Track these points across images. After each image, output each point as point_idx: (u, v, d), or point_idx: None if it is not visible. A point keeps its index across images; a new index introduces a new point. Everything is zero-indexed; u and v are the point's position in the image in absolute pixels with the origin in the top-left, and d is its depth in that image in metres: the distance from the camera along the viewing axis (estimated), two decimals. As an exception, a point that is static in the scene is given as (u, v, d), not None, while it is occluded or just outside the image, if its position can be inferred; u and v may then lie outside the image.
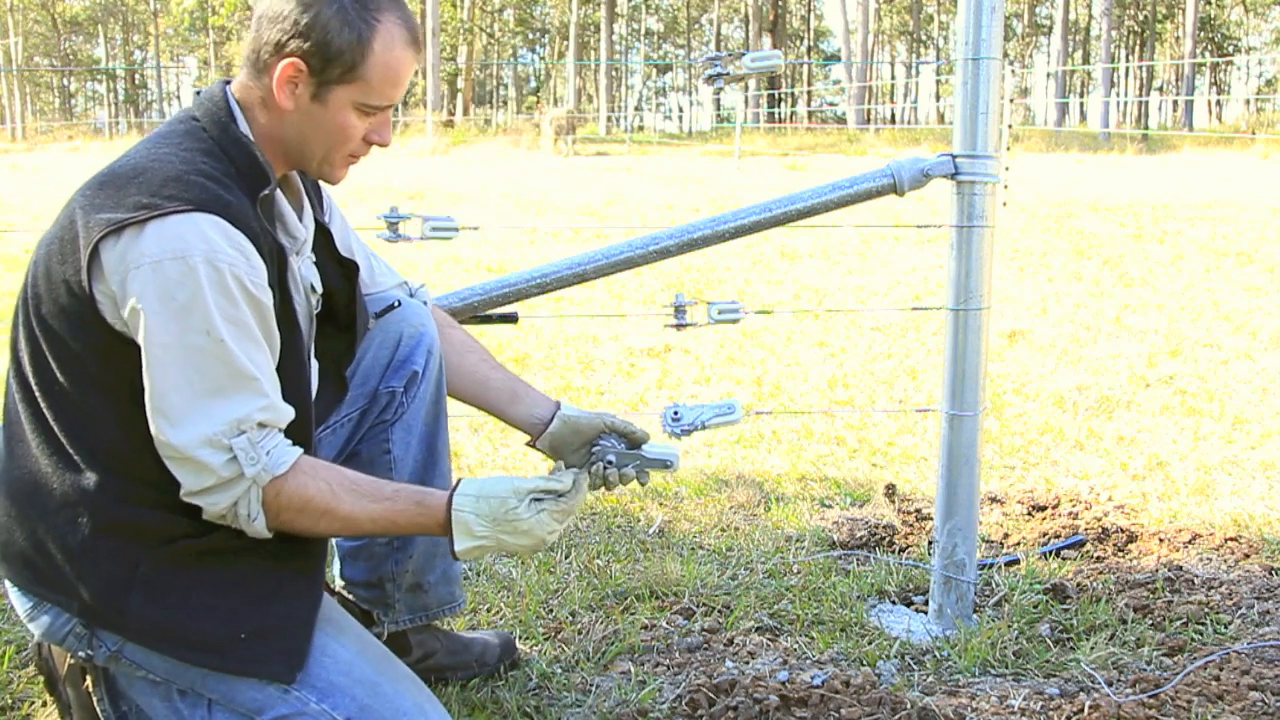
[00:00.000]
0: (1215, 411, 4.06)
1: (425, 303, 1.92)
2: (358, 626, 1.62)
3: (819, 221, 2.32)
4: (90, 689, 1.56)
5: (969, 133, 2.20)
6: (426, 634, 2.02)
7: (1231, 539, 2.79)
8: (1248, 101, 58.28)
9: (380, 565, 1.92)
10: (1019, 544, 2.82)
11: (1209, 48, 54.50)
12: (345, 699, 1.47)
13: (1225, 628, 2.28)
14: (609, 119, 39.02)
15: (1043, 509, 3.06)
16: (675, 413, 1.96)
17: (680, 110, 72.48)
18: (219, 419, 1.36)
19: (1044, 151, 20.72)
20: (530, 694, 2.02)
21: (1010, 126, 14.34)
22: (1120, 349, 5.08)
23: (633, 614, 2.37)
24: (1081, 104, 45.79)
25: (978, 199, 2.21)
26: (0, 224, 9.38)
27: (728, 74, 2.23)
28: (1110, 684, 2.04)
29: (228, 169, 1.44)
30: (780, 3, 41.43)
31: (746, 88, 27.42)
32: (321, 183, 1.72)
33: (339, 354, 1.75)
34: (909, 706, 1.90)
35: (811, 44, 61.69)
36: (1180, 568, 2.60)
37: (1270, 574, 2.57)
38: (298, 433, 1.48)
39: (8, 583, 1.52)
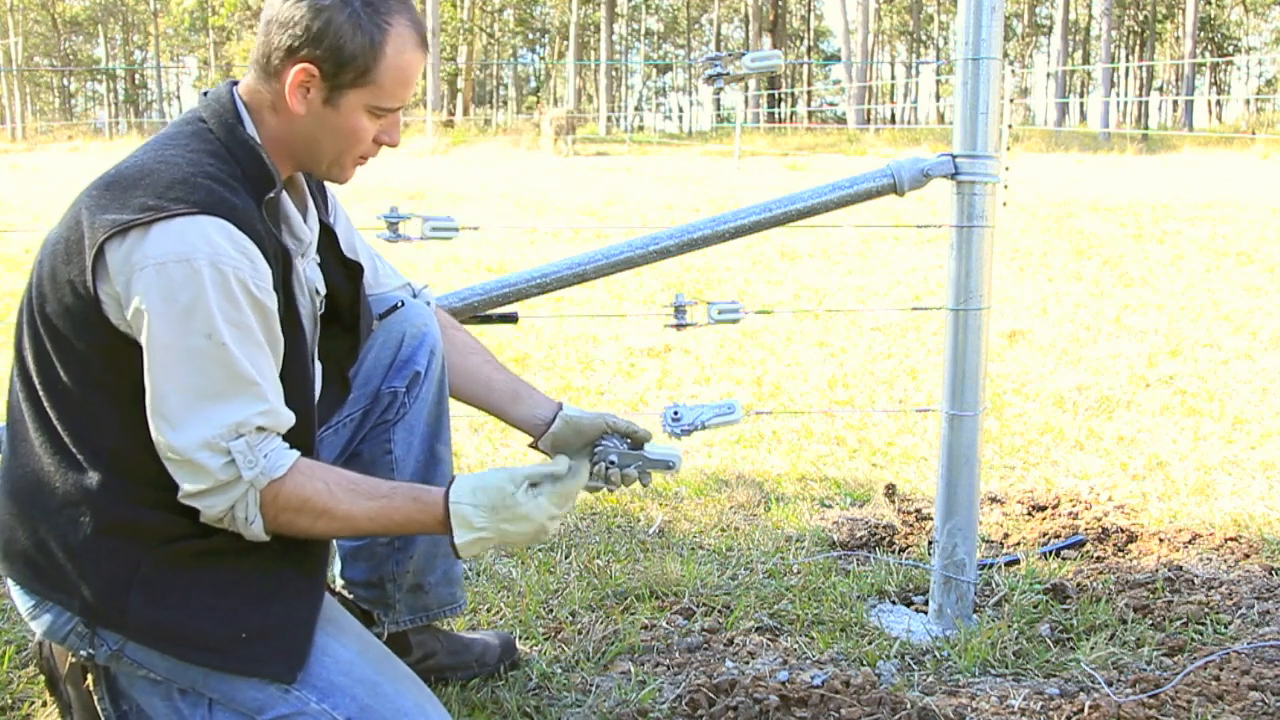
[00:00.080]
0: (1215, 411, 4.06)
1: (429, 303, 1.92)
2: (359, 627, 1.62)
3: (819, 221, 2.32)
4: (91, 688, 1.56)
5: (969, 133, 2.20)
6: (427, 634, 2.03)
7: (1231, 539, 2.79)
8: (1248, 101, 58.29)
9: (381, 565, 1.92)
10: (1019, 544, 2.82)
11: (1209, 48, 54.51)
12: (346, 699, 1.47)
13: (1225, 628, 2.28)
14: (609, 119, 39.02)
15: (1043, 509, 3.06)
16: (675, 413, 1.96)
17: (680, 110, 72.51)
18: (218, 422, 1.36)
19: (1044, 151, 20.72)
20: (530, 694, 2.02)
21: (1010, 126, 14.34)
22: (1120, 349, 5.08)
23: (633, 614, 2.37)
24: (1081, 104, 45.80)
25: (978, 199, 2.21)
26: (0, 224, 9.38)
27: (728, 74, 2.23)
28: (1110, 684, 2.04)
29: (234, 171, 1.44)
30: (780, 3, 41.44)
31: (746, 88, 27.43)
32: (326, 183, 1.72)
33: (342, 355, 1.75)
34: (909, 706, 1.90)
35: (811, 44, 61.70)
36: (1180, 568, 2.60)
37: (1270, 574, 2.57)
38: (300, 435, 1.48)
39: (10, 581, 1.53)
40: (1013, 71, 17.94)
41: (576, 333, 5.43)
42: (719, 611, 2.39)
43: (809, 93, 42.29)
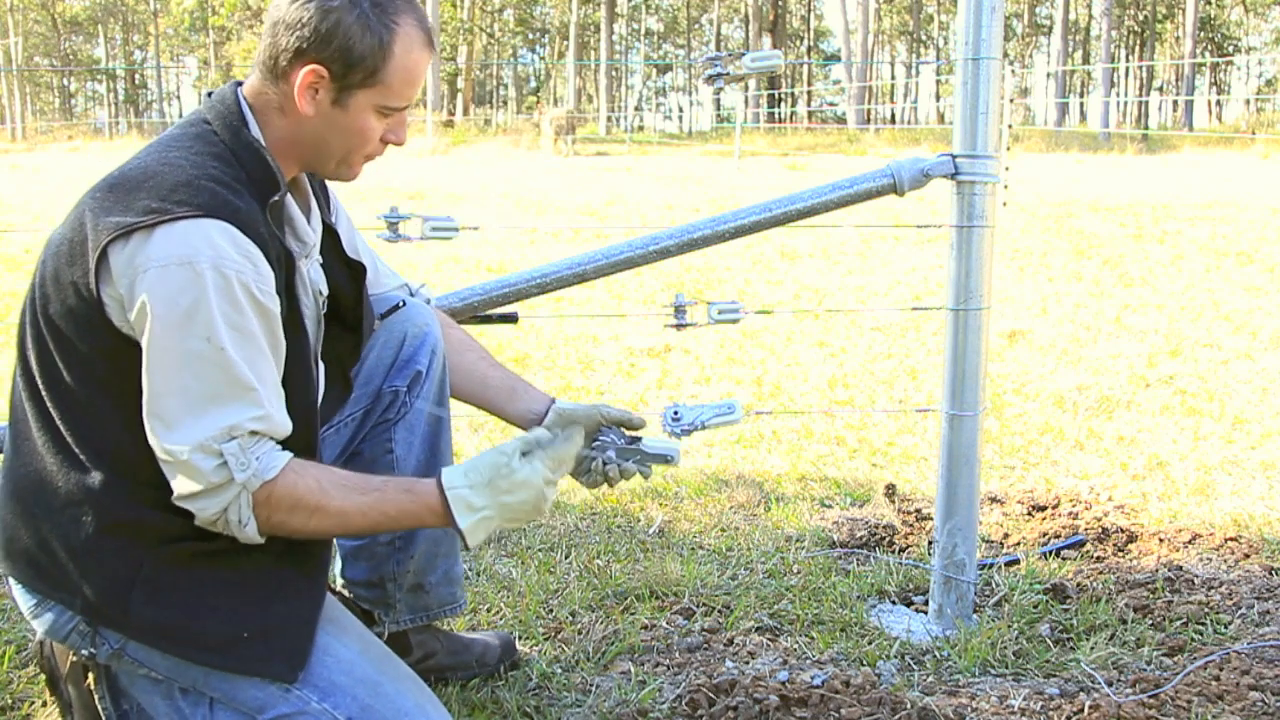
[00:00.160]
0: (1215, 411, 4.06)
1: (428, 301, 1.92)
2: (360, 626, 1.62)
3: (819, 221, 2.32)
4: (92, 687, 1.56)
5: (969, 133, 2.20)
6: (427, 634, 2.03)
7: (1231, 539, 2.79)
8: (1248, 101, 58.29)
9: (382, 565, 1.92)
10: (1019, 544, 2.82)
11: (1209, 48, 54.51)
12: (347, 698, 1.47)
13: (1225, 628, 2.28)
14: (609, 119, 39.02)
15: (1043, 509, 3.06)
16: (675, 413, 1.96)
17: (680, 110, 72.51)
18: (212, 425, 1.36)
19: (1044, 151, 20.72)
20: (530, 694, 2.02)
21: (1010, 126, 14.34)
22: (1120, 349, 5.08)
23: (633, 614, 2.37)
24: (1081, 104, 45.80)
25: (978, 199, 2.22)
26: (0, 224, 9.38)
27: (728, 74, 2.23)
28: (1110, 684, 2.04)
29: (238, 174, 1.44)
30: (780, 3, 41.44)
31: (746, 88, 27.43)
32: (328, 183, 1.72)
33: (344, 355, 1.75)
34: (909, 706, 1.90)
35: (811, 44, 61.70)
36: (1180, 568, 2.60)
37: (1270, 574, 2.57)
38: (302, 436, 1.48)
39: (11, 580, 1.53)
40: (1013, 71, 17.94)
41: (576, 333, 5.43)
42: (719, 611, 2.39)
43: (809, 93, 42.29)
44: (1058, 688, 2.04)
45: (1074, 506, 3.07)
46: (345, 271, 1.71)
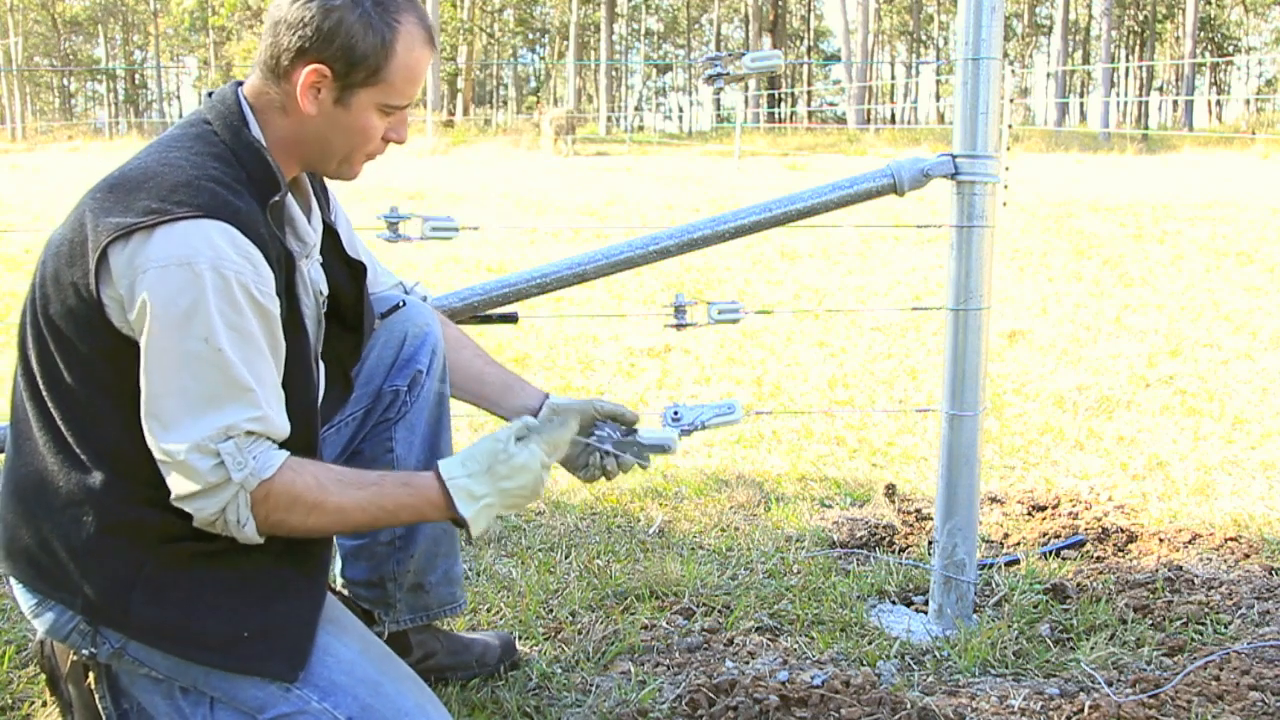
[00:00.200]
0: (1215, 411, 4.06)
1: (424, 298, 1.93)
2: (360, 626, 1.62)
3: (819, 221, 2.32)
4: (92, 686, 1.56)
5: (969, 133, 2.20)
6: (427, 634, 2.03)
7: (1231, 539, 2.79)
8: (1248, 101, 58.29)
9: (382, 564, 1.92)
10: (1019, 544, 2.82)
11: (1209, 48, 54.50)
12: (347, 698, 1.47)
13: (1225, 628, 2.28)
14: (609, 119, 39.02)
15: (1043, 509, 3.06)
16: (675, 413, 1.96)
17: (680, 110, 72.51)
18: (208, 425, 1.36)
19: (1044, 151, 20.72)
20: (530, 694, 2.02)
21: (1010, 126, 14.34)
22: (1120, 349, 5.08)
23: (633, 614, 2.37)
24: (1081, 104, 45.80)
25: (978, 199, 2.22)
26: (0, 224, 9.38)
27: (728, 74, 2.23)
28: (1110, 684, 2.04)
29: (238, 174, 1.44)
30: (780, 3, 41.44)
31: (746, 88, 27.43)
32: (327, 183, 1.72)
33: (345, 354, 1.75)
34: (909, 706, 1.90)
35: (811, 44, 61.70)
36: (1180, 568, 2.60)
37: (1270, 574, 2.57)
38: (303, 436, 1.48)
39: (12, 579, 1.53)
40: (1013, 71, 17.94)
41: (576, 333, 5.43)
42: (719, 611, 2.39)
43: (809, 93, 42.29)
44: (1058, 688, 2.04)
45: (1074, 506, 3.07)
46: (346, 271, 1.71)
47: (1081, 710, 1.91)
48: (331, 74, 1.45)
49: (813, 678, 2.04)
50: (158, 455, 1.38)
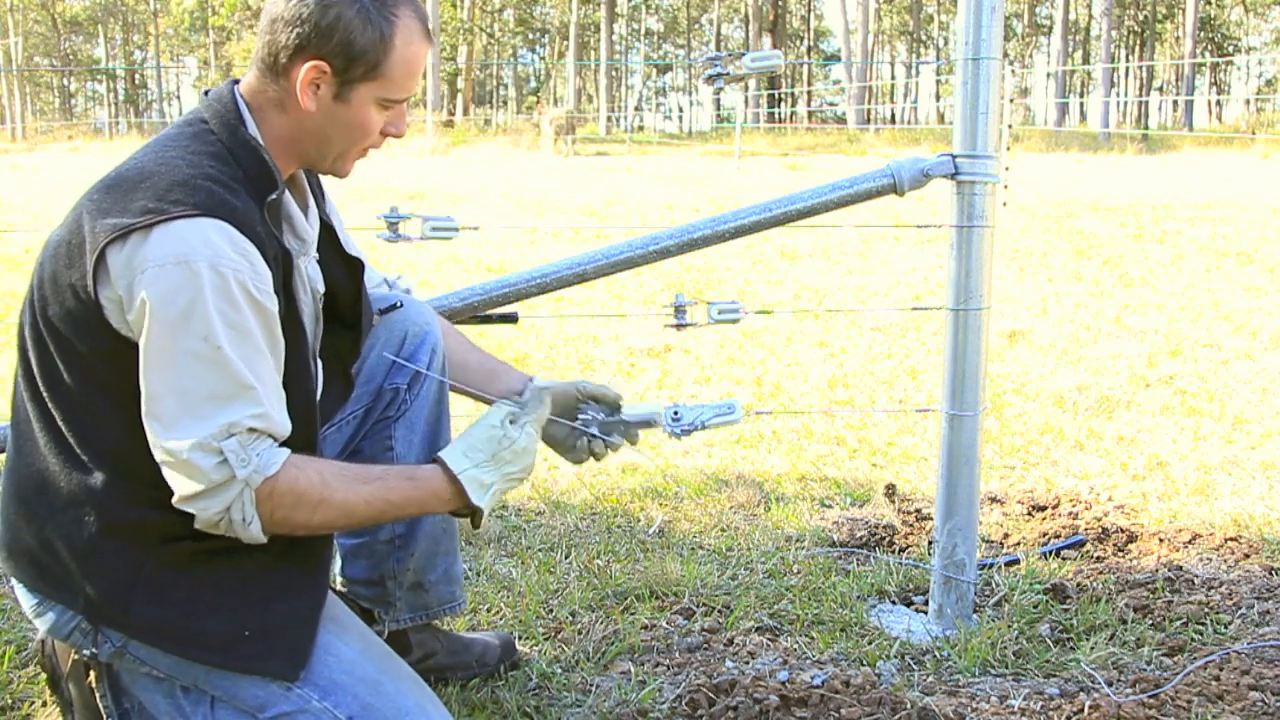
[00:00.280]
0: (1215, 411, 4.06)
1: (408, 290, 1.92)
2: (361, 625, 1.62)
3: (819, 221, 2.32)
4: (93, 685, 1.56)
5: (969, 133, 2.20)
6: (427, 633, 2.03)
7: (1231, 539, 2.79)
8: (1248, 101, 58.29)
9: (382, 563, 1.92)
10: (1019, 544, 2.83)
11: (1209, 48, 54.50)
12: (347, 697, 1.47)
13: (1225, 628, 2.28)
14: (609, 119, 39.01)
15: (1043, 509, 3.06)
16: (675, 413, 1.96)
17: (680, 110, 72.51)
18: (211, 423, 1.35)
19: (1044, 151, 20.72)
20: (530, 694, 2.02)
21: (1010, 126, 14.34)
22: (1120, 349, 5.08)
23: (633, 614, 2.37)
24: (1081, 104, 45.80)
25: (978, 199, 2.22)
26: (0, 224, 9.38)
27: (728, 74, 2.23)
28: (1110, 684, 2.04)
29: (235, 173, 1.44)
30: (780, 3, 41.43)
31: (746, 88, 27.43)
32: (321, 180, 1.72)
33: (344, 352, 1.75)
34: (909, 706, 1.90)
35: (811, 44, 61.69)
36: (1180, 568, 2.60)
37: (1270, 574, 2.57)
38: (303, 434, 1.48)
39: (13, 580, 1.53)
40: (1013, 71, 17.94)
41: (576, 333, 5.43)
42: (719, 611, 2.39)
43: (809, 93, 42.29)
44: (1058, 688, 2.04)
45: (1074, 506, 3.07)
46: (343, 268, 1.71)
47: (1081, 710, 1.91)
48: (331, 70, 1.45)
49: (813, 678, 2.04)
50: (160, 456, 1.37)
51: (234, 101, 1.50)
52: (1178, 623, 2.30)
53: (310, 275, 1.61)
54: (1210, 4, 50.75)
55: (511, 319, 2.33)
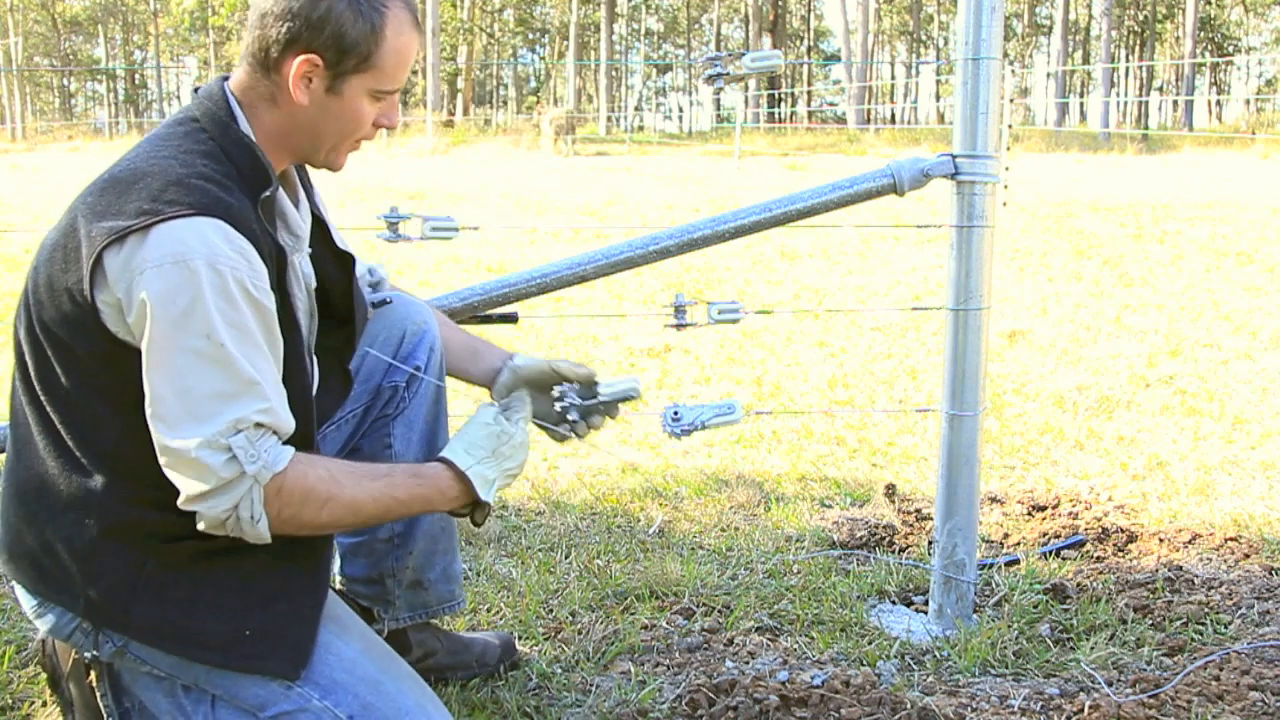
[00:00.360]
0: (1215, 411, 4.06)
1: (381, 281, 1.92)
2: (362, 624, 1.62)
3: (819, 221, 2.32)
4: (94, 684, 1.56)
5: (969, 133, 2.20)
6: (426, 633, 2.03)
7: (1231, 539, 2.79)
8: (1248, 101, 58.28)
9: (381, 561, 1.92)
10: (1019, 544, 2.83)
11: (1209, 48, 54.50)
12: (348, 696, 1.47)
13: (1225, 628, 2.28)
14: (609, 119, 39.01)
15: (1043, 509, 3.06)
16: (675, 413, 1.97)
17: (680, 110, 72.50)
18: (218, 420, 1.35)
19: (1044, 151, 20.72)
20: (530, 694, 2.02)
21: (1010, 126, 14.33)
22: (1120, 349, 5.08)
23: (633, 614, 2.37)
24: (1081, 104, 45.79)
25: (978, 199, 2.22)
26: (0, 224, 9.38)
27: (728, 74, 2.23)
28: (1110, 684, 2.04)
29: (229, 171, 1.44)
30: (780, 3, 41.43)
31: (746, 88, 27.42)
32: (310, 176, 1.72)
33: (339, 347, 1.75)
34: (909, 706, 1.90)
35: (811, 44, 61.70)
36: (1180, 568, 2.60)
37: (1270, 574, 2.57)
38: (301, 430, 1.48)
39: (14, 581, 1.53)
40: (1013, 71, 17.94)
41: (576, 333, 5.43)
42: (719, 611, 2.39)
43: (809, 93, 42.29)
44: (1058, 688, 2.04)
45: (1074, 506, 3.07)
46: (335, 263, 1.70)
47: (1081, 710, 1.91)
48: (323, 63, 1.44)
49: (813, 678, 2.04)
50: (165, 457, 1.36)
51: (224, 98, 1.49)
52: (1178, 623, 2.30)
53: (304, 271, 1.61)
54: (1210, 4, 50.75)
55: (511, 319, 2.34)
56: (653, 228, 2.43)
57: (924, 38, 60.15)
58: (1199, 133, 28.57)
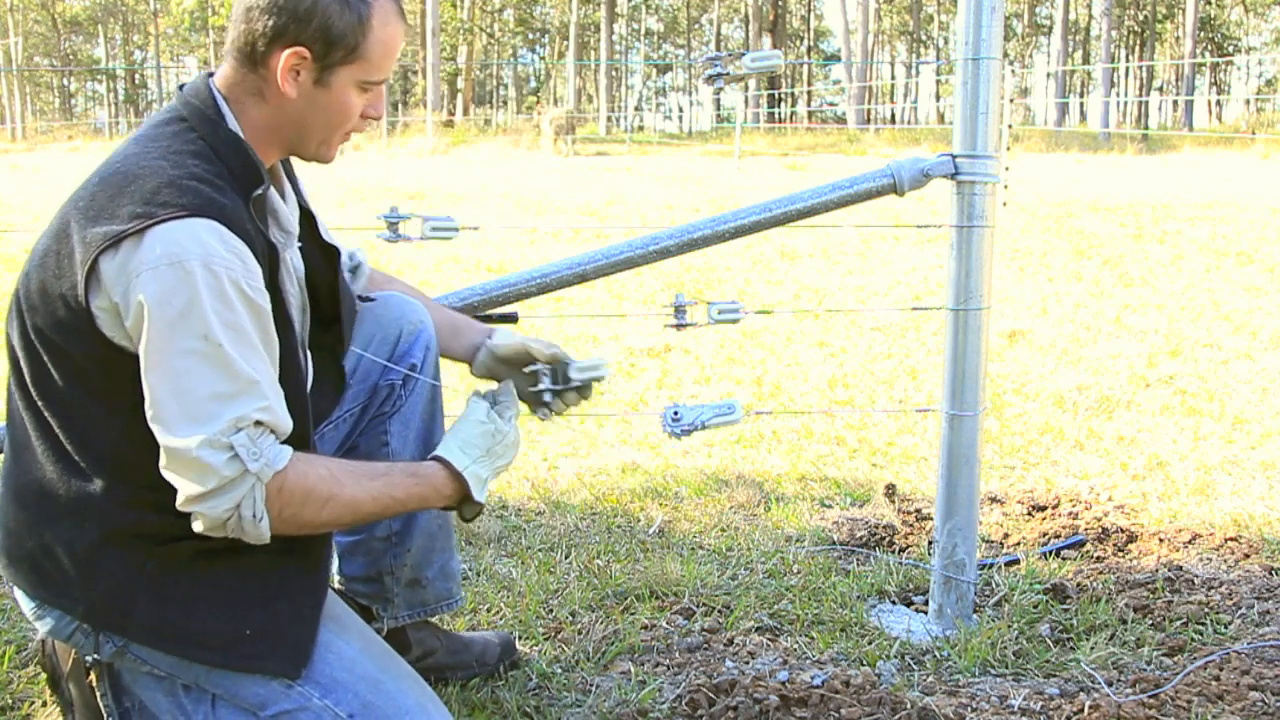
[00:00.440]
0: (1215, 411, 4.06)
1: (360, 265, 1.92)
2: (361, 624, 1.63)
3: (819, 221, 2.32)
4: (94, 684, 1.56)
5: (969, 133, 2.20)
6: (426, 632, 2.03)
7: (1231, 539, 2.79)
8: (1248, 101, 58.28)
9: (379, 560, 1.92)
10: (1019, 544, 2.83)
11: (1209, 48, 54.49)
12: (348, 695, 1.47)
13: (1225, 628, 2.28)
14: (609, 119, 39.01)
15: (1043, 509, 3.06)
16: (675, 413, 1.97)
17: (680, 110, 72.50)
18: (218, 419, 1.35)
19: (1044, 151, 20.72)
20: (530, 694, 2.02)
21: (1010, 126, 14.33)
22: (1120, 349, 5.08)
23: (633, 614, 2.37)
24: (1081, 104, 45.79)
25: (978, 199, 2.22)
26: (0, 224, 9.38)
27: (728, 74, 2.23)
28: (1110, 684, 2.04)
29: (219, 170, 1.43)
30: (780, 3, 41.43)
31: (746, 88, 27.42)
32: (297, 167, 1.72)
33: (332, 345, 1.74)
34: (909, 706, 1.90)
35: (811, 44, 61.69)
36: (1180, 568, 2.60)
37: (1270, 574, 2.57)
38: (297, 428, 1.48)
39: (13, 584, 1.52)
40: (1013, 71, 17.94)
41: (576, 333, 5.43)
42: (719, 611, 2.39)
43: (809, 93, 42.29)
44: (1058, 688, 2.04)
45: (1074, 506, 3.07)
46: (320, 256, 1.69)
47: (1081, 710, 1.91)
48: (310, 55, 1.44)
49: (813, 678, 2.04)
50: (165, 458, 1.36)
51: (211, 96, 1.48)
52: (1178, 623, 2.30)
53: (295, 265, 1.61)
54: (1210, 4, 50.75)
55: (512, 319, 2.33)
56: (653, 228, 2.43)
57: (924, 38, 60.15)
58: (1199, 133, 28.57)
